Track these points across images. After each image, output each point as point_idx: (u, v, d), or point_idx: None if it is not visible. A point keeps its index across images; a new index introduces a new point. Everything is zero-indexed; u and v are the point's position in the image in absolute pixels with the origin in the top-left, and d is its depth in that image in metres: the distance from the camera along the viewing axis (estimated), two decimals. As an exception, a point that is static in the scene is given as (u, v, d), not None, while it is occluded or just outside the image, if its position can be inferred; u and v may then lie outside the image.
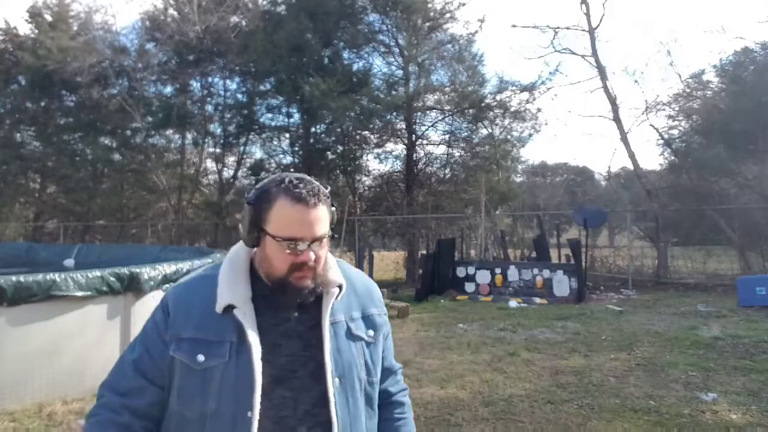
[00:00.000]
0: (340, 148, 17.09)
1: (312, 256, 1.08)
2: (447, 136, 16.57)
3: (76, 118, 19.82)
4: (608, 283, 11.69)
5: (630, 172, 17.28)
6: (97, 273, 4.55)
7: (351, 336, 1.17)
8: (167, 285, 4.87)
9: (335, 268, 1.19)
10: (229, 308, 1.08)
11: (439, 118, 16.29)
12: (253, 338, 1.06)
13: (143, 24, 19.23)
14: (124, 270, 4.76)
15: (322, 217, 1.09)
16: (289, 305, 1.11)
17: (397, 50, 16.49)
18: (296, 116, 17.87)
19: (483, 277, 10.51)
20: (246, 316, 1.08)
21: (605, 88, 14.75)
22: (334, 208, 1.17)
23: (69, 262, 10.15)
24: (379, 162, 19.07)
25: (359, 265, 13.30)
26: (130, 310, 4.75)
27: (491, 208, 14.36)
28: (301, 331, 1.12)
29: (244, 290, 1.11)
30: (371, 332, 1.22)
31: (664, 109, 15.89)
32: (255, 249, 1.15)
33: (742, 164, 13.39)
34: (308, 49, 15.58)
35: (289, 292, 1.09)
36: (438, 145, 16.80)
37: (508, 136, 16.52)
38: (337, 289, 1.16)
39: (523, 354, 5.69)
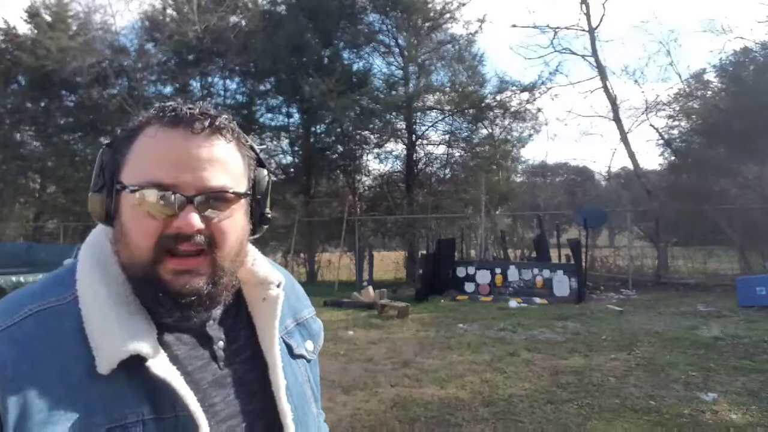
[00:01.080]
0: (340, 148, 17.09)
1: (195, 220, 0.61)
2: (447, 136, 16.58)
3: (76, 118, 19.82)
4: (608, 283, 11.69)
5: (630, 172, 17.28)
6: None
7: (294, 357, 0.79)
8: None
9: (261, 257, 0.78)
10: (132, 362, 0.60)
11: (439, 118, 16.30)
12: (191, 399, 0.62)
13: (142, 24, 19.26)
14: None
15: (222, 158, 0.65)
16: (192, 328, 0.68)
17: (397, 50, 16.51)
18: (296, 116, 17.89)
19: (483, 277, 10.51)
20: (162, 366, 0.61)
21: (605, 88, 14.77)
22: (258, 158, 0.76)
23: (69, 262, 10.13)
24: (379, 162, 19.10)
25: (359, 265, 13.32)
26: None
27: (491, 208, 14.36)
28: (237, 371, 0.71)
29: (144, 322, 0.63)
30: (310, 344, 0.84)
31: (664, 109, 15.91)
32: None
33: (742, 164, 13.40)
34: (308, 49, 15.59)
35: (163, 298, 0.63)
36: (438, 145, 16.82)
37: (508, 136, 16.55)
38: (276, 291, 0.75)
39: (523, 354, 5.69)
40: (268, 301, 0.74)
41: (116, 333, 0.60)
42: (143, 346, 0.60)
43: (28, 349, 0.59)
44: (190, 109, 0.64)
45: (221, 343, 0.70)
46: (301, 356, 0.81)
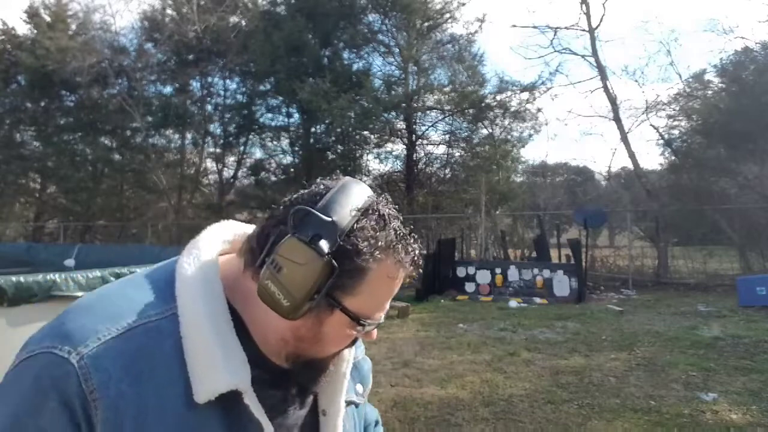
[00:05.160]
0: (340, 148, 17.09)
1: (376, 334, 0.71)
2: (447, 136, 16.60)
3: (76, 118, 19.83)
4: (608, 283, 11.68)
5: (630, 172, 17.29)
6: (98, 273, 4.55)
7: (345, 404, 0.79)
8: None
9: None
10: (223, 396, 0.60)
11: (439, 118, 16.30)
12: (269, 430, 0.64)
13: (142, 24, 19.27)
14: (125, 270, 4.76)
15: None
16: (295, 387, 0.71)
17: (397, 50, 16.50)
18: (296, 116, 17.90)
19: (483, 277, 10.51)
20: (254, 403, 0.63)
21: (605, 88, 14.76)
22: None
23: (69, 262, 10.14)
24: (379, 162, 19.10)
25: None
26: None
27: (491, 208, 14.35)
28: (304, 418, 0.73)
29: (244, 363, 0.63)
30: (360, 387, 0.82)
31: (664, 109, 15.90)
32: (233, 277, 0.68)
33: (742, 164, 13.39)
34: (307, 50, 15.59)
35: (319, 378, 0.70)
36: (438, 145, 16.83)
37: (508, 136, 16.51)
38: (350, 353, 0.77)
39: (523, 354, 5.69)
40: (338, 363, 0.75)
41: (219, 366, 0.59)
42: (242, 383, 0.60)
43: (131, 367, 0.58)
44: (414, 251, 0.67)
45: (293, 391, 0.70)
46: (350, 403, 0.79)
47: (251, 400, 0.61)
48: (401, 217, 0.69)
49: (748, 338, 6.12)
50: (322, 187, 0.66)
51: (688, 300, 9.33)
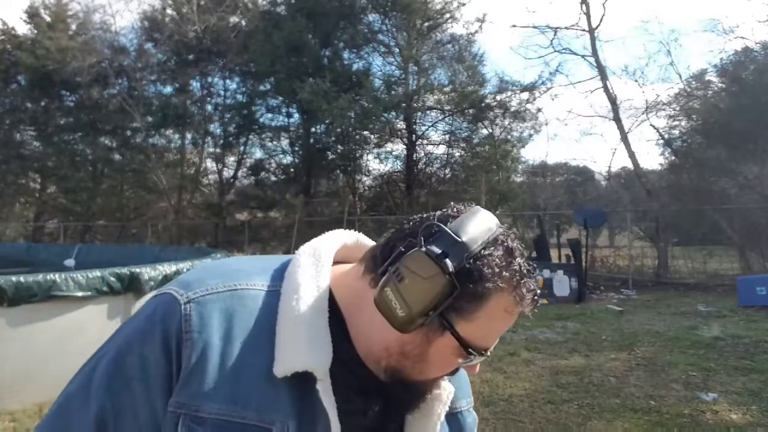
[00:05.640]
0: (340, 148, 17.08)
1: (478, 368, 0.71)
2: (447, 136, 16.58)
3: (76, 118, 19.83)
4: (608, 283, 11.68)
5: (630, 172, 17.28)
6: (98, 273, 4.56)
7: None
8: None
9: None
10: (299, 376, 0.62)
11: (439, 118, 16.29)
12: (335, 427, 0.63)
13: (142, 24, 19.28)
14: (125, 270, 4.77)
15: None
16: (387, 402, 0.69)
17: (397, 50, 16.50)
18: (296, 116, 17.89)
19: (483, 277, 10.50)
20: (327, 393, 0.63)
21: (605, 88, 14.76)
22: None
23: (69, 262, 10.15)
24: (379, 162, 19.03)
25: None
26: (131, 311, 4.75)
27: (491, 208, 14.27)
28: None
29: (327, 350, 0.64)
30: None
31: (664, 109, 15.90)
32: (343, 281, 0.70)
33: (742, 164, 13.40)
34: (307, 50, 15.59)
35: (414, 399, 0.69)
36: (438, 145, 16.81)
37: (508, 136, 16.48)
38: (447, 391, 0.73)
39: (523, 354, 5.69)
40: (434, 395, 0.72)
41: (303, 345, 0.62)
42: (320, 368, 0.62)
43: (226, 323, 0.63)
44: (534, 292, 0.66)
45: (376, 408, 0.68)
46: None
47: (324, 390, 0.62)
48: (526, 255, 0.67)
49: (748, 338, 6.12)
50: (455, 210, 0.66)
51: (688, 300, 9.33)
